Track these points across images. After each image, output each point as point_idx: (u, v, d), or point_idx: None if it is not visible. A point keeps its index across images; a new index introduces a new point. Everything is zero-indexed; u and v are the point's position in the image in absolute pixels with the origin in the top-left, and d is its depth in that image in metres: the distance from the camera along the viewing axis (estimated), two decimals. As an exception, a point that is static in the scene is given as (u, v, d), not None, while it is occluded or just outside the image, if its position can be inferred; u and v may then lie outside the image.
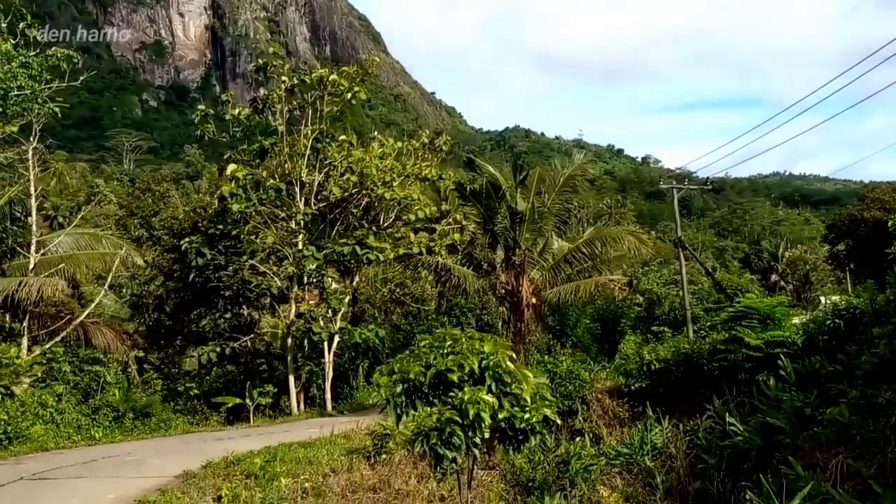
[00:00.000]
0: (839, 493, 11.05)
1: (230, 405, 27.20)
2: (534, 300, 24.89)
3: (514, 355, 10.46)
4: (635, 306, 41.01)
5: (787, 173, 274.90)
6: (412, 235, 27.64)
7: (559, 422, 11.07)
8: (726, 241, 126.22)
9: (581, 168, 26.22)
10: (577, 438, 17.18)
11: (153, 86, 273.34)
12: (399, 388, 9.78)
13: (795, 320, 20.16)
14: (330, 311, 27.83)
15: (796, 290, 74.84)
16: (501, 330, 27.95)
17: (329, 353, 28.00)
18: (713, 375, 19.34)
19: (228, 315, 31.29)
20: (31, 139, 24.03)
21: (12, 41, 20.55)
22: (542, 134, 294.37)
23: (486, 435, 9.59)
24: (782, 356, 16.75)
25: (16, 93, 16.46)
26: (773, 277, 78.83)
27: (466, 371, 9.68)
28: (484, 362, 9.78)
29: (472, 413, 9.23)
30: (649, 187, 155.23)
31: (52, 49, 19.19)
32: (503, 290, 25.16)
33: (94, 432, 21.27)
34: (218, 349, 28.24)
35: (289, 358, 28.09)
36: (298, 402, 28.12)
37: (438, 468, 9.77)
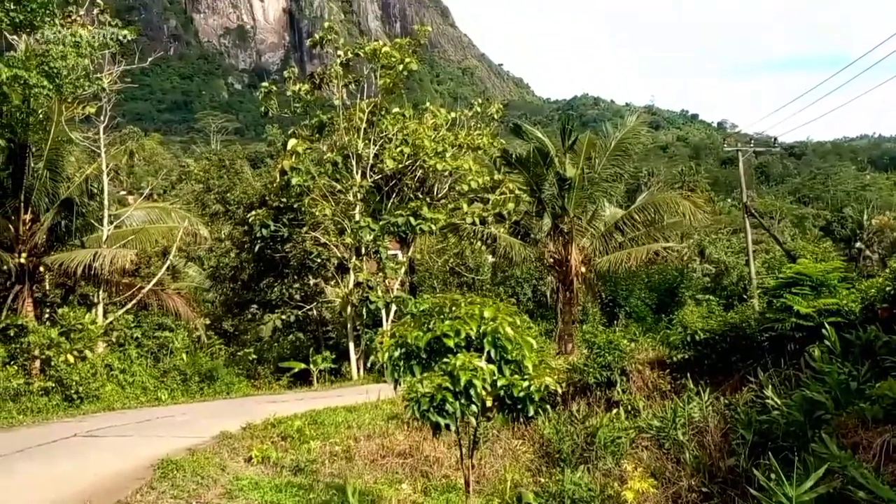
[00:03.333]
0: (871, 474, 10.48)
1: (296, 370, 28.49)
2: (583, 269, 24.57)
3: (517, 321, 9.92)
4: (705, 276, 40.03)
5: (876, 135, 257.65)
6: (465, 206, 27.96)
7: (560, 391, 10.78)
8: (807, 209, 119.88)
9: (634, 131, 25.42)
10: (614, 410, 16.99)
11: (237, 69, 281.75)
12: (397, 353, 9.48)
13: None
14: (386, 281, 28.54)
15: (882, 259, 70.83)
16: (551, 300, 27.89)
17: (387, 321, 28.75)
18: (761, 347, 18.70)
19: (297, 285, 32.58)
20: (102, 118, 25.37)
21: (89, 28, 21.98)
22: (612, 101, 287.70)
23: (489, 403, 9.22)
24: (827, 325, 16.11)
25: (66, 73, 17.52)
26: (858, 245, 74.74)
27: (463, 337, 9.27)
28: (483, 328, 9.34)
29: (463, 380, 8.83)
30: (724, 153, 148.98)
31: (100, 27, 20.24)
32: (551, 259, 24.94)
33: (160, 394, 22.56)
34: (283, 317, 29.46)
35: (349, 326, 29.07)
36: (358, 368, 29.07)
37: (437, 435, 9.64)
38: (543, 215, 25.26)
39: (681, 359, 19.46)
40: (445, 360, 9.14)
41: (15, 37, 19.92)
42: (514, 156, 25.47)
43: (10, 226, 22.80)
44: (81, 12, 23.05)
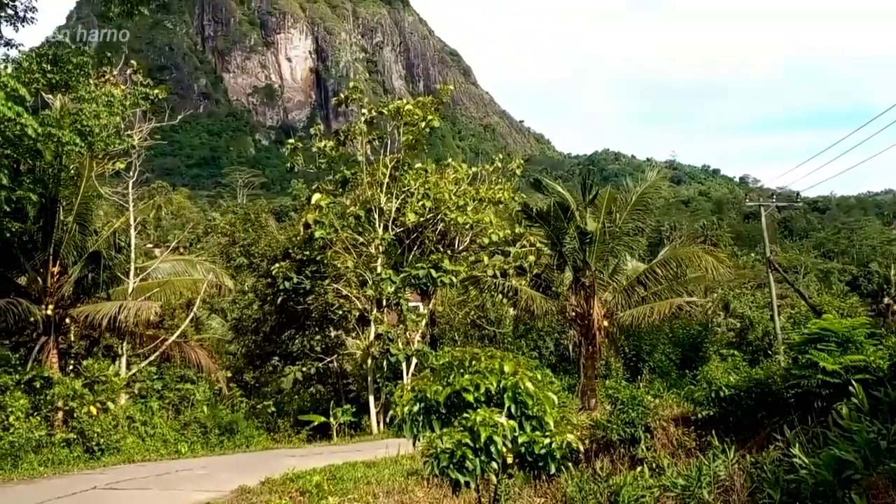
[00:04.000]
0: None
1: (316, 423, 28.33)
2: (606, 323, 24.45)
3: (538, 376, 9.86)
4: (729, 331, 39.50)
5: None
6: (486, 259, 28.08)
7: (582, 448, 10.50)
8: (832, 263, 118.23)
9: (655, 185, 25.61)
10: (638, 468, 16.66)
11: (265, 126, 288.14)
12: (416, 408, 9.41)
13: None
14: (407, 333, 28.54)
15: (911, 314, 69.39)
16: (573, 354, 27.66)
17: (407, 374, 28.62)
18: (787, 403, 18.30)
19: (318, 337, 32.66)
20: (131, 173, 26.01)
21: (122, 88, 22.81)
22: (633, 156, 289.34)
23: (509, 460, 9.07)
24: (855, 382, 15.80)
25: (98, 130, 18.12)
26: (886, 301, 73.43)
27: (483, 391, 9.19)
28: (503, 383, 9.26)
29: (483, 436, 8.69)
30: (747, 208, 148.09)
31: (129, 87, 20.97)
32: (573, 313, 24.87)
33: (180, 447, 22.50)
34: (304, 369, 29.50)
35: (369, 378, 28.98)
36: (378, 422, 28.85)
37: (457, 493, 9.50)
38: (565, 268, 25.29)
39: (706, 415, 19.08)
40: (465, 415, 9.05)
41: (50, 96, 20.72)
42: (534, 209, 25.68)
43: (39, 278, 23.19)
44: (115, 72, 23.95)
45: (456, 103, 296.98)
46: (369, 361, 28.82)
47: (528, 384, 9.35)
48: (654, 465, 17.43)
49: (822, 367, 17.61)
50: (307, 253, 30.46)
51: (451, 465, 8.76)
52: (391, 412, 11.98)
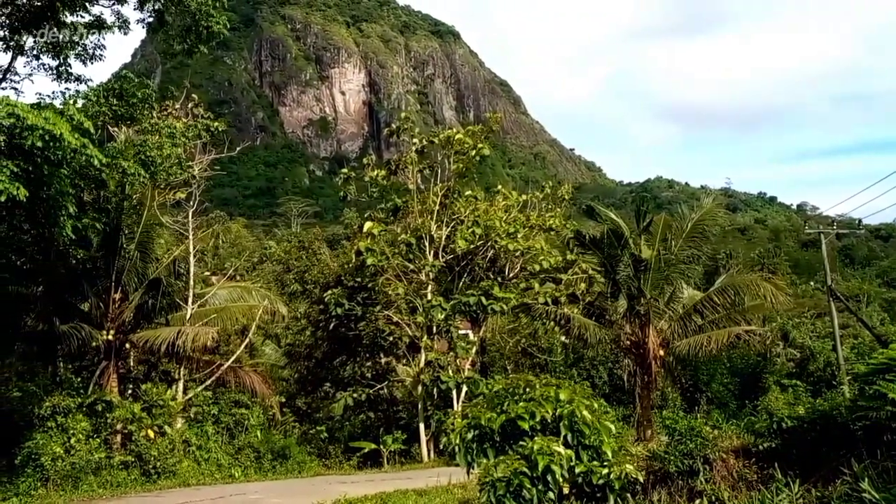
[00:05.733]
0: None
1: (366, 450, 28.37)
2: (661, 352, 23.90)
3: (594, 405, 9.81)
4: (789, 361, 38.29)
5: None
6: (537, 286, 27.92)
7: (640, 479, 10.23)
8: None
9: (710, 212, 25.13)
10: (697, 501, 16.15)
11: (319, 157, 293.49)
12: (470, 435, 9.39)
13: None
14: (457, 361, 28.46)
15: None
16: (627, 384, 27.13)
17: (458, 402, 28.49)
18: (854, 436, 17.53)
19: (369, 363, 32.80)
20: (191, 203, 26.72)
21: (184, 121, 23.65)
22: (687, 184, 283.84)
23: (565, 490, 9.00)
24: (926, 413, 15.08)
25: (160, 161, 18.78)
26: (957, 332, 70.22)
27: (538, 419, 9.17)
28: (559, 411, 9.24)
29: (541, 465, 8.62)
30: (805, 236, 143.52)
31: (190, 120, 21.68)
32: (628, 342, 24.44)
33: (234, 471, 22.79)
34: (355, 395, 29.62)
35: (419, 406, 28.94)
36: (428, 450, 28.72)
37: None
38: (619, 296, 24.85)
39: (767, 447, 18.39)
40: (521, 443, 8.99)
41: (115, 128, 21.55)
42: (587, 236, 25.42)
43: (101, 304, 23.90)
44: (177, 106, 24.82)
45: (506, 132, 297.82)
46: (419, 389, 28.79)
47: (586, 412, 9.33)
48: (713, 497, 16.88)
49: (892, 398, 16.91)
50: (359, 280, 30.77)
51: (508, 494, 8.68)
52: (442, 440, 11.88)
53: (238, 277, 44.31)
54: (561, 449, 8.89)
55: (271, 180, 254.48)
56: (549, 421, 9.23)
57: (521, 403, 9.35)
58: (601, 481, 9.05)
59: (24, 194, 12.93)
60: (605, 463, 9.18)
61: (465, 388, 28.57)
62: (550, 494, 8.78)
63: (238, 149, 31.01)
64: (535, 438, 8.91)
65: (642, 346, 23.98)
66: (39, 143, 13.02)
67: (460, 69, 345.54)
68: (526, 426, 9.11)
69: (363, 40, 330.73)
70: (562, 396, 9.39)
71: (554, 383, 9.78)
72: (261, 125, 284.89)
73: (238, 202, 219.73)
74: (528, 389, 9.59)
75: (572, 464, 8.99)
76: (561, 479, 8.80)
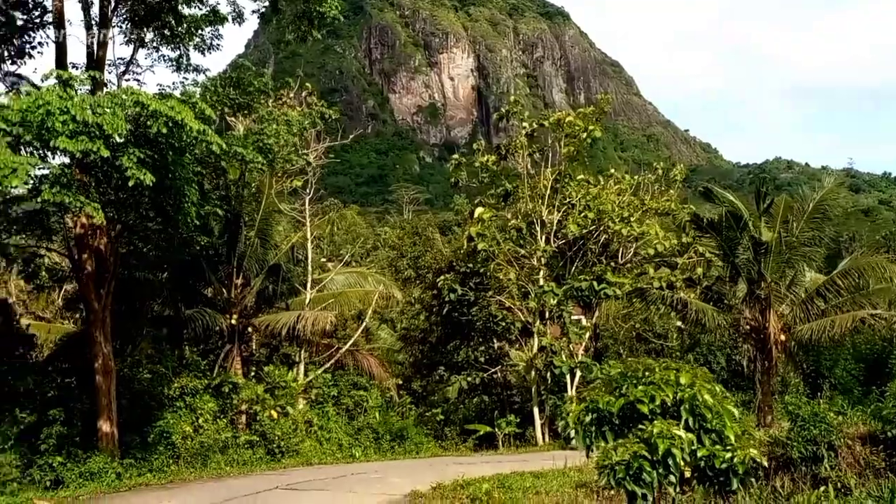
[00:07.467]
0: None
1: (481, 433, 28.70)
2: (782, 337, 22.78)
3: (716, 389, 9.53)
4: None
5: None
6: (652, 270, 27.25)
7: (765, 464, 9.99)
8: None
9: (832, 193, 23.74)
10: (822, 488, 15.42)
11: (428, 144, 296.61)
12: (588, 418, 9.39)
13: None
14: (570, 346, 28.23)
15: None
16: (746, 370, 26.05)
17: (571, 387, 28.26)
18: None
19: (482, 348, 33.07)
20: (308, 191, 27.64)
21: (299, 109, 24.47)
22: (807, 165, 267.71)
23: (686, 474, 8.87)
24: None
25: (277, 149, 19.45)
26: None
27: (658, 403, 9.05)
28: (679, 395, 9.08)
29: (661, 448, 8.55)
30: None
31: (305, 108, 22.34)
32: (747, 327, 23.44)
33: (354, 451, 23.49)
34: (469, 379, 29.98)
35: (533, 390, 28.97)
36: (543, 434, 28.72)
37: None
38: (738, 280, 23.92)
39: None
40: (641, 426, 8.95)
41: (233, 118, 22.53)
42: (705, 219, 24.53)
43: (224, 289, 25.17)
44: (291, 95, 25.66)
45: (617, 114, 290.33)
46: (533, 373, 28.80)
47: (707, 396, 9.11)
48: (839, 484, 16.11)
49: None
50: (471, 265, 30.97)
51: (628, 477, 8.67)
52: (560, 423, 11.85)
53: (353, 263, 45.69)
54: (682, 433, 8.74)
55: (382, 168, 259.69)
56: (668, 405, 9.09)
57: (640, 387, 9.25)
58: (724, 465, 8.81)
59: (151, 179, 13.49)
60: (728, 447, 8.91)
61: (578, 374, 28.34)
62: (672, 478, 8.70)
63: (351, 137, 31.76)
64: (655, 422, 8.82)
65: (763, 331, 23.05)
66: (164, 130, 13.46)
67: (570, 51, 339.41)
68: (645, 409, 9.03)
69: (471, 24, 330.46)
70: (682, 380, 9.21)
71: (674, 367, 9.55)
72: (371, 113, 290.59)
73: (351, 190, 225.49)
74: (647, 373, 9.43)
75: (693, 448, 8.84)
76: (682, 463, 8.66)
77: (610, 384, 9.70)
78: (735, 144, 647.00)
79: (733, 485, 9.05)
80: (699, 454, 8.83)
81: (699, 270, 26.73)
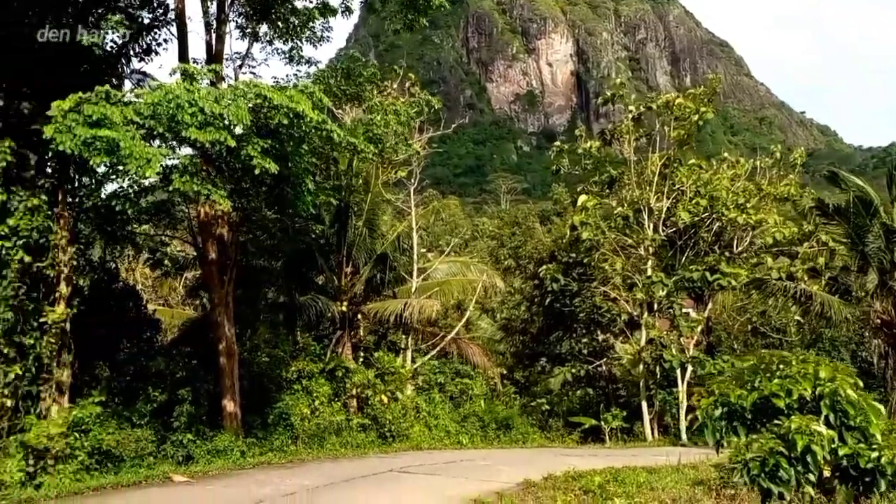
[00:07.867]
0: None
1: (586, 426, 28.34)
2: (917, 332, 21.44)
3: (859, 384, 9.06)
4: None
5: None
6: (770, 260, 25.97)
7: None
8: None
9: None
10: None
11: (526, 132, 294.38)
12: (718, 412, 9.18)
13: None
14: (681, 339, 27.32)
15: None
16: (877, 367, 24.48)
17: (682, 382, 27.41)
18: None
19: (585, 339, 32.63)
20: (412, 181, 27.93)
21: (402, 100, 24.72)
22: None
23: (826, 473, 8.54)
24: None
25: (386, 139, 19.69)
26: None
27: (795, 398, 8.71)
28: (818, 389, 8.71)
29: (800, 445, 8.24)
30: None
31: (408, 99, 22.50)
32: (878, 321, 22.08)
33: (461, 438, 23.64)
34: (573, 370, 29.61)
35: (641, 384, 28.26)
36: (652, 429, 28.02)
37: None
38: (867, 270, 22.55)
39: None
40: (777, 422, 8.67)
41: (340, 110, 22.98)
42: (830, 206, 23.23)
43: (335, 277, 25.83)
44: (395, 85, 25.95)
45: (727, 96, 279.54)
46: (640, 367, 28.05)
47: (850, 391, 8.72)
48: None
49: None
50: (573, 255, 30.54)
51: (763, 474, 8.44)
52: (689, 416, 11.46)
53: (453, 253, 46.00)
54: (822, 429, 8.38)
55: (480, 158, 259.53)
56: (807, 399, 8.74)
57: (775, 380, 8.91)
58: (870, 465, 8.37)
59: (275, 168, 13.88)
60: (874, 446, 8.47)
61: (689, 369, 27.40)
62: (811, 476, 8.37)
63: (452, 126, 31.82)
64: (793, 417, 8.47)
65: (895, 326, 21.71)
66: (285, 121, 13.87)
67: (675, 31, 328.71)
68: (781, 404, 8.71)
69: (570, 8, 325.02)
70: (822, 374, 8.81)
71: (812, 360, 9.17)
72: (469, 103, 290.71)
73: (449, 180, 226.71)
74: (782, 366, 9.09)
75: (834, 445, 8.47)
76: (822, 461, 8.32)
77: (741, 377, 9.39)
78: (856, 127, 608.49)
79: (881, 486, 8.58)
80: (840, 452, 8.45)
81: (821, 260, 25.26)
